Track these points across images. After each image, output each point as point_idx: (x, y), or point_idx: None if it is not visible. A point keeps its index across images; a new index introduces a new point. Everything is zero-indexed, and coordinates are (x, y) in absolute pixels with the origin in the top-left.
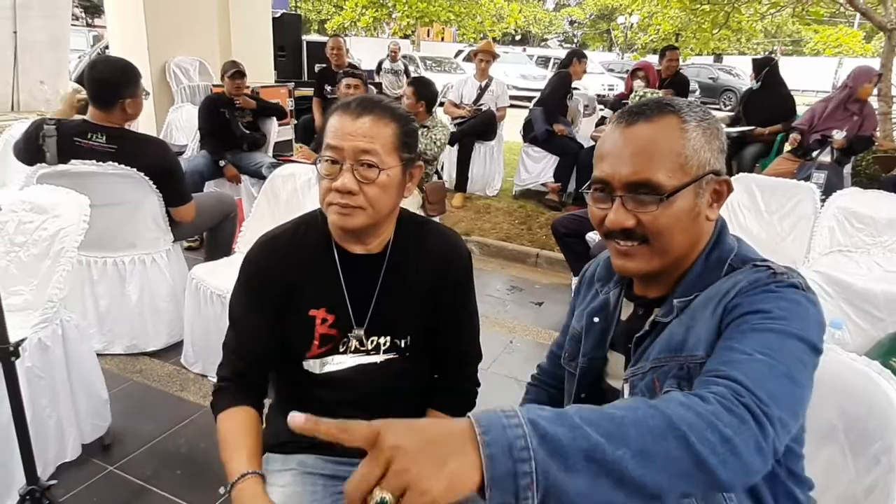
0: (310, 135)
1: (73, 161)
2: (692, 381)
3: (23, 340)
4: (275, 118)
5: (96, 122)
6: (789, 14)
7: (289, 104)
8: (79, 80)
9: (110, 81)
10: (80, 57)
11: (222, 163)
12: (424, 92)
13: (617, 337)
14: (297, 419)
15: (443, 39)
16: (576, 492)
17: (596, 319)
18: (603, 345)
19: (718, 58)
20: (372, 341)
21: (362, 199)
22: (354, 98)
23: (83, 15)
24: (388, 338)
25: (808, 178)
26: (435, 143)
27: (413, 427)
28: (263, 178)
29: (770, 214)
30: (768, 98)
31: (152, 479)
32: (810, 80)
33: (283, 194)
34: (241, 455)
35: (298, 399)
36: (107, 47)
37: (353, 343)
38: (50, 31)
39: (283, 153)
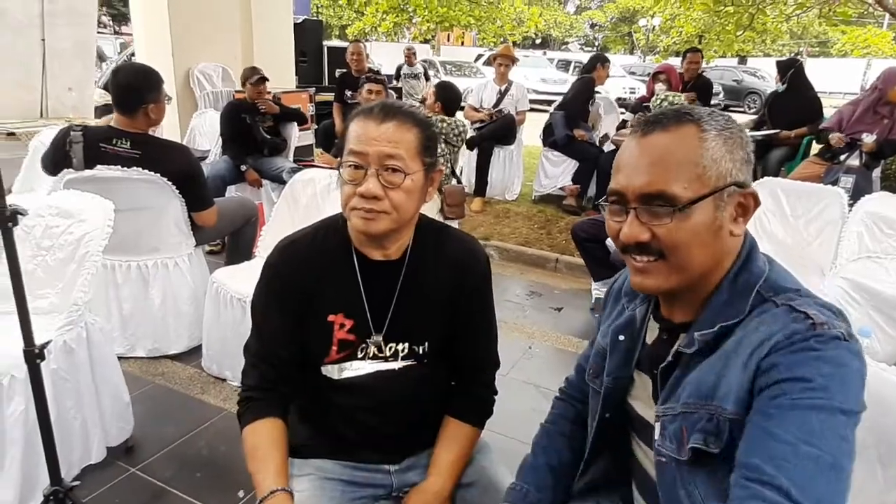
0: (330, 140)
1: (98, 166)
2: (721, 436)
3: (48, 343)
4: (295, 123)
5: (121, 127)
6: (816, 15)
7: (310, 109)
8: (106, 87)
9: (133, 87)
10: (106, 64)
11: (244, 167)
12: (444, 94)
13: (643, 358)
14: None
15: (463, 44)
16: None
17: (621, 338)
18: (628, 365)
19: (743, 60)
20: (390, 348)
21: (387, 203)
22: (376, 103)
23: (111, 23)
24: (407, 344)
25: (835, 182)
26: (451, 127)
27: None
28: (284, 182)
29: (796, 219)
30: (794, 100)
31: (173, 481)
32: (838, 81)
33: (302, 199)
34: (269, 469)
35: (317, 404)
36: (133, 54)
37: (372, 349)
38: (76, 39)
39: (303, 158)
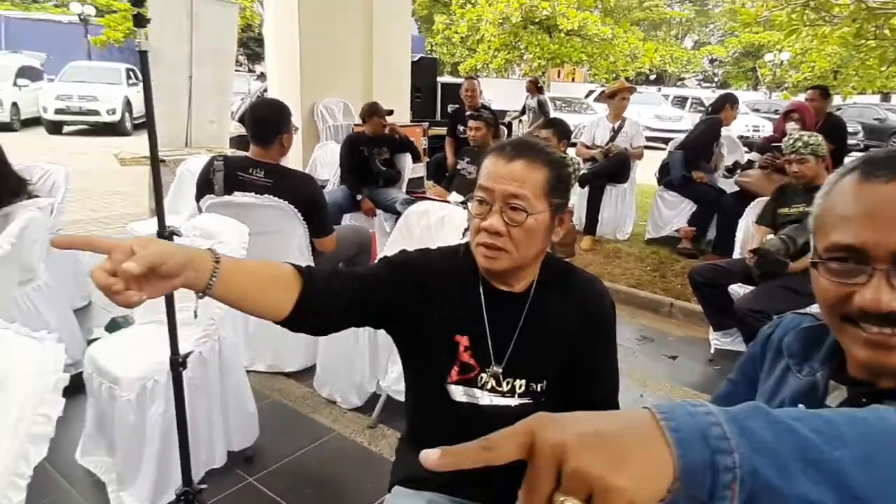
0: (441, 173)
1: (236, 193)
2: None
3: (190, 353)
4: (409, 155)
5: (256, 158)
6: None
7: (423, 143)
8: (241, 120)
9: (269, 120)
10: (242, 98)
11: (359, 197)
12: (564, 131)
13: None
14: (430, 456)
15: (573, 80)
16: (793, 500)
17: (801, 407)
18: None
19: (886, 97)
20: (508, 382)
21: (508, 242)
22: (510, 140)
23: (245, 61)
24: (524, 381)
25: None
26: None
27: (572, 419)
28: (397, 212)
29: None
30: None
31: (285, 494)
32: None
33: (416, 230)
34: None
35: (431, 428)
36: (265, 90)
37: (490, 381)
38: (218, 76)
39: (414, 190)
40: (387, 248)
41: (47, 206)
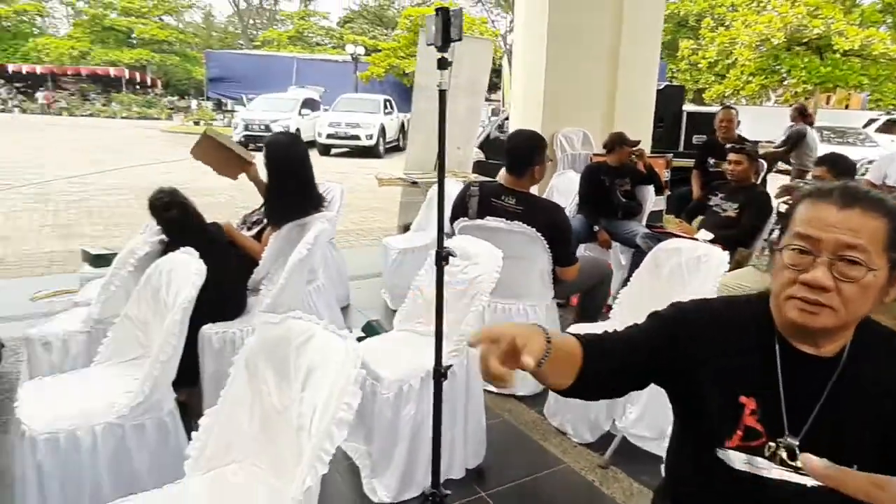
0: (683, 207)
1: (487, 217)
2: None
3: (450, 366)
4: (652, 187)
5: (508, 185)
6: None
7: (665, 175)
8: (481, 147)
9: (524, 152)
10: (482, 126)
11: (596, 228)
12: (843, 168)
13: None
14: (815, 461)
15: (847, 107)
16: None
17: None
18: None
19: None
20: None
21: (835, 298)
22: (836, 186)
23: None
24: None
25: None
26: None
27: None
28: (636, 246)
29: None
30: None
31: None
32: None
33: (665, 268)
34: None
35: (698, 490)
36: (507, 118)
37: (782, 453)
38: (469, 106)
39: (653, 223)
40: (632, 283)
41: (332, 219)
